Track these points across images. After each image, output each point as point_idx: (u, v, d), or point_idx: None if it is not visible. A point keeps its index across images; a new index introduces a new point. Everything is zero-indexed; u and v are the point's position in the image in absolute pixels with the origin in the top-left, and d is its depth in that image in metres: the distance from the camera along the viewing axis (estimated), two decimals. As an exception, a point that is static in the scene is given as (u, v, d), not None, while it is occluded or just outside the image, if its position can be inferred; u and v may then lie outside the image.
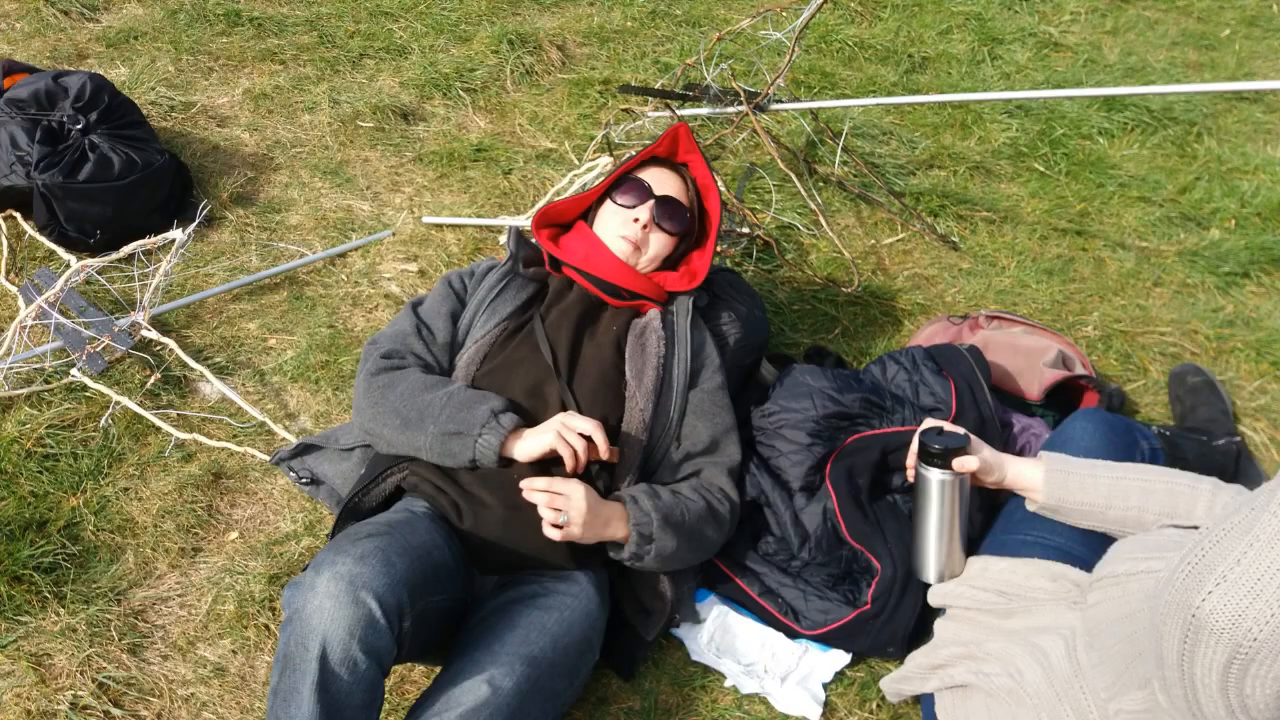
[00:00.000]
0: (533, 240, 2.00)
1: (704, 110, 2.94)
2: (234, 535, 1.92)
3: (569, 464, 1.63)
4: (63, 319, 2.19)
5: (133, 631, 1.73)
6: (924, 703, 1.63)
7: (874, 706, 1.75)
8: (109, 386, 2.12)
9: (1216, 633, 1.02)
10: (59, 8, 3.30)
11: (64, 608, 1.74)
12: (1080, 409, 1.90)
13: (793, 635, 1.81)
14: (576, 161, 2.97)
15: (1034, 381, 2.13)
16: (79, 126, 2.47)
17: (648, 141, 2.92)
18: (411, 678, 1.72)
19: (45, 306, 2.17)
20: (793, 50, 2.73)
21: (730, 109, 2.85)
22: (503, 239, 2.67)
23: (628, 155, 2.55)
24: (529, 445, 1.64)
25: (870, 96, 3.47)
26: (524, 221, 2.64)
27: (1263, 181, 3.25)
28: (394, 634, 1.36)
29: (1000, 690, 1.43)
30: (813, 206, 2.71)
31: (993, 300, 2.68)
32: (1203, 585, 1.04)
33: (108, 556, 1.84)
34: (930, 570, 1.68)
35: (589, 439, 1.63)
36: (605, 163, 2.78)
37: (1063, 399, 2.19)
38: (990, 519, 1.79)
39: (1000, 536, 1.70)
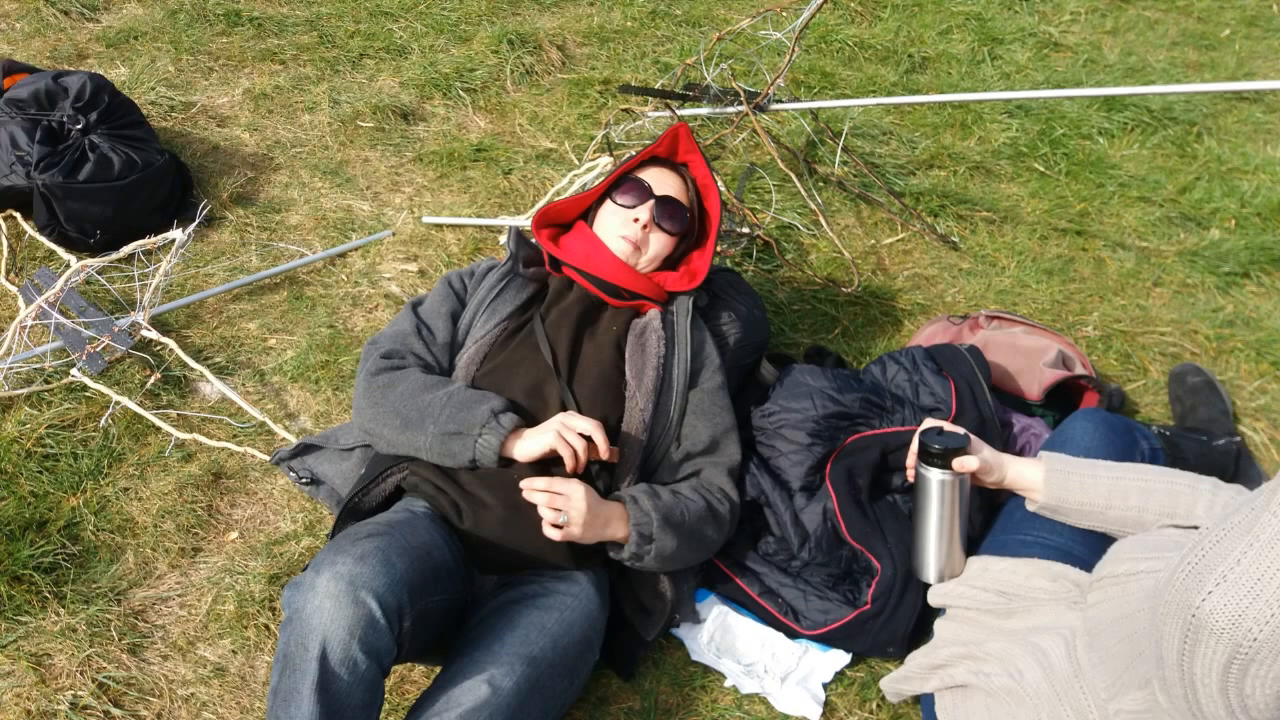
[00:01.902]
0: (533, 240, 2.00)
1: (704, 110, 2.94)
2: (234, 535, 1.92)
3: (569, 464, 1.63)
4: (63, 319, 2.19)
5: (133, 631, 1.73)
6: (924, 703, 1.63)
7: (874, 706, 1.75)
8: (109, 386, 2.12)
9: (1216, 633, 1.02)
10: (59, 8, 3.30)
11: (64, 608, 1.74)
12: (1080, 409, 1.90)
13: (793, 635, 1.81)
14: (576, 161, 2.97)
15: (1034, 381, 2.13)
16: (79, 126, 2.47)
17: (648, 141, 2.92)
18: (411, 678, 1.72)
19: (45, 306, 2.17)
20: (793, 50, 2.73)
21: (730, 109, 2.85)
22: (503, 239, 2.67)
23: (628, 155, 2.55)
24: (529, 445, 1.64)
25: (870, 96, 3.47)
26: (524, 221, 2.64)
27: (1263, 181, 3.25)
28: (394, 634, 1.36)
29: (1000, 690, 1.43)
30: (813, 206, 2.71)
31: (993, 300, 2.68)
32: (1203, 585, 1.04)
33: (108, 556, 1.84)
34: (930, 570, 1.68)
35: (589, 439, 1.63)
36: (605, 163, 2.77)
37: (1063, 399, 2.19)
38: (990, 519, 1.79)
39: (1000, 536, 1.70)
